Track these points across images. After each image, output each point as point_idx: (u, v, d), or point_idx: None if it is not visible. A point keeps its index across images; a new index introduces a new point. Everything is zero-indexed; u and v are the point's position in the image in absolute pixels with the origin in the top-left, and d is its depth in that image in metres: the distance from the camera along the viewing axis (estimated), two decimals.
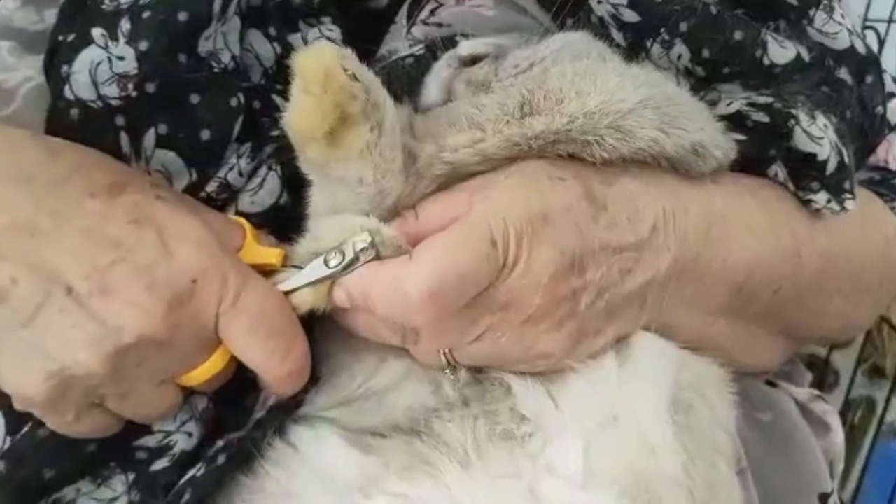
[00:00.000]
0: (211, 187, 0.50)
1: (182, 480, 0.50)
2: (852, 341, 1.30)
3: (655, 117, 0.52)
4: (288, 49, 0.57)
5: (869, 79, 0.65)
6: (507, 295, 0.47)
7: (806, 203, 0.61)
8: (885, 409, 1.22)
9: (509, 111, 0.50)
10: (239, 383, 0.52)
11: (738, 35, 0.61)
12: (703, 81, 0.61)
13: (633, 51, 0.60)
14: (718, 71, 0.61)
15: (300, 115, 0.46)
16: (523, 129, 0.50)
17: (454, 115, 0.50)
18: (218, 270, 0.46)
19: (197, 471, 0.49)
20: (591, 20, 0.60)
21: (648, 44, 0.59)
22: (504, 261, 0.47)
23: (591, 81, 0.50)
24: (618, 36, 0.60)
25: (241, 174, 0.51)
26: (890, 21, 1.30)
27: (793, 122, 0.58)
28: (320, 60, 0.45)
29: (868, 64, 0.65)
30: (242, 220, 0.49)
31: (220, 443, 0.50)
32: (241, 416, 0.51)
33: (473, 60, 0.55)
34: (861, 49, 0.64)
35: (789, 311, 0.64)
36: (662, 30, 0.60)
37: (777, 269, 0.61)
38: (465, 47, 0.56)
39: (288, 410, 0.52)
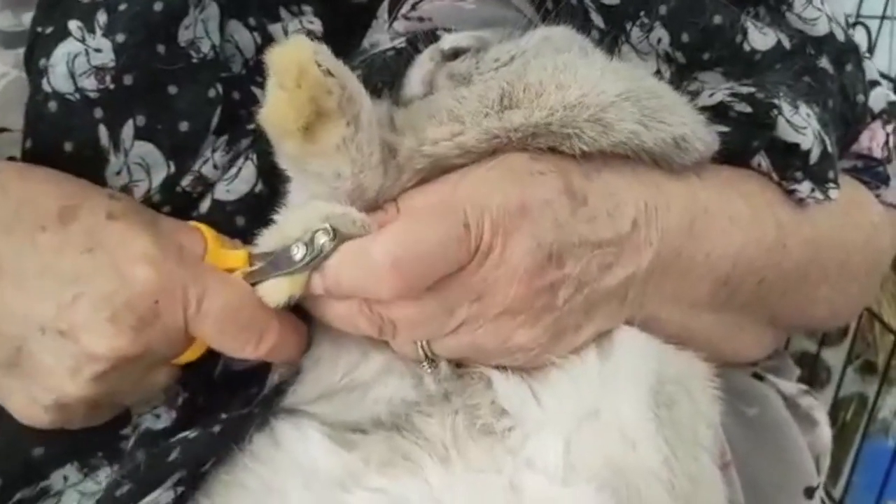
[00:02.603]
0: (186, 181, 0.51)
1: (172, 440, 0.51)
2: (843, 337, 1.32)
3: (636, 110, 0.52)
4: (268, 39, 0.57)
5: (849, 67, 0.65)
6: (482, 284, 0.47)
7: (790, 193, 0.61)
8: (874, 406, 1.24)
9: (489, 104, 0.50)
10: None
11: (717, 19, 0.61)
12: (683, 69, 0.61)
13: (613, 34, 0.60)
14: (698, 57, 0.61)
15: (275, 111, 0.46)
16: (503, 121, 0.50)
17: (434, 108, 0.51)
18: (177, 285, 0.47)
19: (190, 433, 0.49)
20: (571, 4, 0.60)
21: (628, 27, 0.59)
22: (477, 247, 0.46)
23: (571, 74, 0.50)
24: (597, 19, 0.60)
25: (216, 167, 0.51)
26: (883, 17, 1.35)
27: (776, 112, 0.59)
28: (294, 55, 0.45)
29: (848, 52, 0.65)
30: (201, 226, 0.50)
31: (223, 415, 0.50)
32: (244, 397, 0.52)
33: (456, 54, 0.55)
34: (840, 36, 0.65)
35: (775, 301, 0.64)
36: (642, 13, 0.60)
37: (761, 260, 0.61)
38: (448, 41, 0.56)
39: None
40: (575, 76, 0.50)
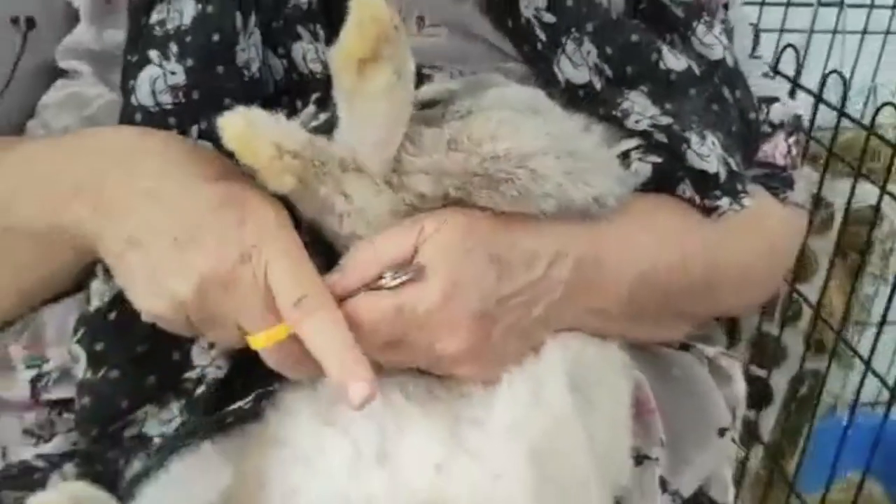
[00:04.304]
0: None
1: (227, 409, 0.61)
2: (799, 318, 1.38)
3: (557, 165, 0.60)
4: (292, 63, 0.66)
5: (738, 93, 0.74)
6: (428, 339, 0.58)
7: (714, 209, 0.70)
8: (824, 382, 1.34)
9: (441, 146, 0.59)
10: None
11: (634, 37, 0.70)
12: (612, 82, 0.70)
13: (554, 47, 0.69)
14: (623, 71, 0.70)
15: (346, 41, 0.55)
16: (449, 159, 0.58)
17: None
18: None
19: (244, 403, 0.61)
20: (520, 21, 0.69)
21: (563, 41, 0.69)
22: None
23: (506, 129, 0.59)
24: (541, 34, 0.69)
25: None
26: (834, 32, 1.54)
27: (685, 146, 0.67)
28: (378, 3, 0.54)
29: (737, 77, 0.75)
30: None
31: (276, 385, 0.60)
32: None
33: (431, 104, 0.63)
34: (730, 62, 0.74)
35: (683, 307, 0.73)
36: (573, 29, 0.69)
37: (664, 280, 0.69)
38: (424, 92, 0.64)
39: None
40: (509, 131, 0.59)
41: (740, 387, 0.81)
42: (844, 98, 1.11)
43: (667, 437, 0.71)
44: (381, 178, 0.58)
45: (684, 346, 0.79)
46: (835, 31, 1.53)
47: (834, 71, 1.11)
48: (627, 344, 0.71)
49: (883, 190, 1.10)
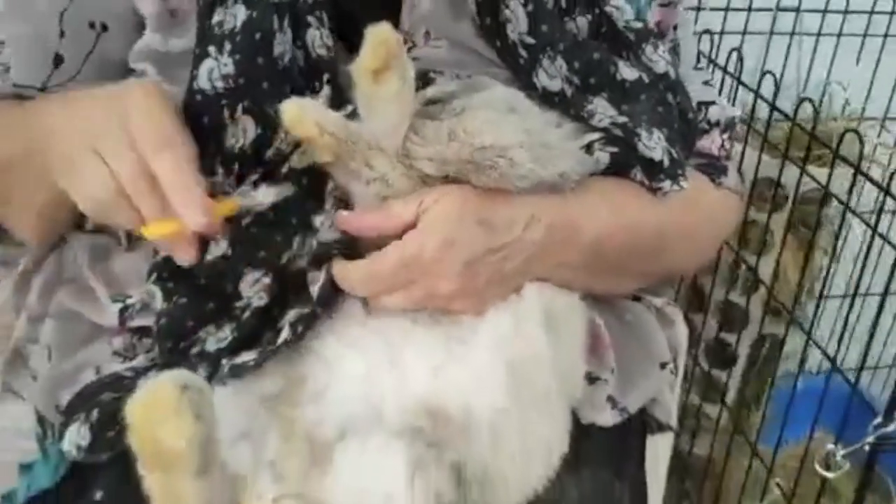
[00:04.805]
0: (270, 150, 0.73)
1: (281, 322, 0.72)
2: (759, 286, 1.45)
3: (530, 154, 0.72)
4: (309, 55, 0.75)
5: (678, 98, 0.84)
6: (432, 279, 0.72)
7: (659, 189, 0.81)
8: (782, 345, 1.42)
9: (442, 138, 0.71)
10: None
11: (596, 55, 0.81)
12: (579, 89, 0.80)
13: (533, 62, 0.79)
14: (588, 81, 0.80)
15: (364, 55, 0.67)
16: (448, 149, 0.71)
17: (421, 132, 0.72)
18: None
19: (288, 335, 0.71)
20: (507, 42, 0.80)
21: (541, 57, 0.79)
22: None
23: (491, 126, 0.71)
24: (523, 52, 0.79)
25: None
26: (792, 34, 1.62)
27: (636, 139, 0.78)
28: (387, 30, 0.67)
29: (678, 85, 0.85)
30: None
31: (307, 310, 0.71)
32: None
33: (434, 101, 0.74)
34: (672, 74, 0.84)
35: (635, 265, 0.85)
36: (548, 48, 0.79)
37: (618, 243, 0.80)
38: (429, 92, 0.74)
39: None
40: (492, 128, 0.71)
41: (681, 330, 0.96)
42: (776, 95, 1.19)
43: (617, 367, 0.83)
44: (395, 156, 0.72)
45: (636, 298, 0.92)
46: (792, 34, 1.62)
47: (768, 72, 1.19)
48: (591, 296, 0.83)
49: (829, 174, 1.17)
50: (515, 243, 0.75)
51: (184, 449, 0.61)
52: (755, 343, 1.49)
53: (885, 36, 1.63)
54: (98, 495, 0.77)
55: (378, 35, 0.67)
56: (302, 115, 0.69)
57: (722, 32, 1.54)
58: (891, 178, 1.00)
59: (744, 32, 1.58)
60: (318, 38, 0.76)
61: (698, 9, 1.51)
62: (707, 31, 1.37)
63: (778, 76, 1.21)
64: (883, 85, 1.67)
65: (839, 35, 1.63)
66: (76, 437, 0.72)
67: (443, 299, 0.74)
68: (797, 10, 1.61)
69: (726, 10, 1.57)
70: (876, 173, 1.36)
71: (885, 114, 1.65)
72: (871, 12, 1.62)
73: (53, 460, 0.81)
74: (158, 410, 0.61)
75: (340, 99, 0.75)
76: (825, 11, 1.62)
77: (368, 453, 0.68)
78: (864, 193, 1.29)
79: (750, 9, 1.59)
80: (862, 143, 1.14)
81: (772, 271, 1.32)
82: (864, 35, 1.64)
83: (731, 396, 1.51)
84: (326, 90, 0.76)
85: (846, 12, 1.62)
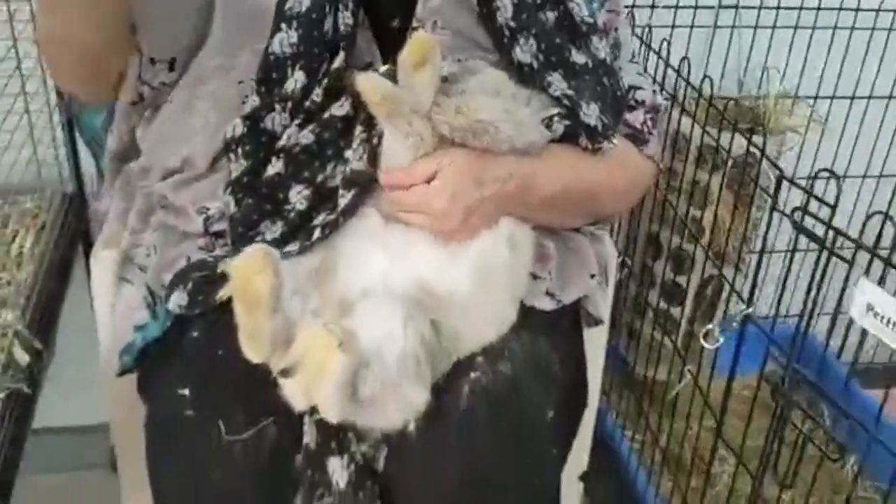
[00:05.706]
0: (315, 91, 0.97)
1: (315, 222, 0.95)
2: (703, 234, 1.55)
3: (511, 125, 0.95)
4: (337, 26, 0.97)
5: (612, 80, 1.04)
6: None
7: (599, 148, 1.02)
8: (722, 287, 1.56)
9: (452, 111, 0.93)
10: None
11: (557, 40, 1.00)
12: (542, 67, 0.99)
13: (513, 42, 0.99)
14: (549, 59, 0.99)
15: (408, 50, 0.89)
16: (457, 118, 0.93)
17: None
18: None
19: (327, 215, 0.95)
20: (497, 26, 0.99)
21: (519, 38, 0.99)
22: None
23: (485, 104, 0.94)
24: (507, 33, 0.99)
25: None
26: (733, 27, 1.74)
27: (578, 109, 1.00)
28: (426, 35, 0.91)
29: (612, 70, 1.05)
30: None
31: (338, 212, 0.94)
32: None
33: (446, 79, 0.94)
34: (609, 61, 1.04)
35: (577, 208, 1.09)
36: (525, 31, 0.99)
37: (569, 191, 1.03)
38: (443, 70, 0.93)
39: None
40: (485, 106, 0.94)
41: (609, 248, 1.20)
42: (688, 76, 1.37)
43: (557, 272, 1.06)
44: (426, 119, 0.93)
45: (577, 230, 1.14)
46: (733, 27, 1.75)
47: (685, 57, 1.36)
48: (546, 228, 1.06)
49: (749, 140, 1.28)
50: (497, 194, 0.98)
51: (266, 294, 0.84)
52: (701, 284, 1.62)
53: (814, 28, 1.75)
54: (195, 334, 0.97)
55: (419, 38, 0.90)
56: (371, 84, 0.91)
57: (673, 26, 1.69)
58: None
59: (691, 27, 1.71)
60: (342, 19, 0.97)
61: (653, 7, 1.68)
62: (648, 26, 1.51)
63: (721, 64, 1.45)
64: (811, 70, 1.79)
65: (773, 28, 1.75)
66: (177, 300, 0.97)
67: (445, 232, 0.97)
68: (736, 7, 1.73)
69: (676, 7, 1.70)
70: (812, 144, 1.58)
71: (817, 93, 1.78)
72: (801, 8, 1.75)
73: (161, 318, 1.01)
74: (252, 266, 0.84)
75: (349, 62, 0.97)
76: (760, 8, 1.73)
77: (380, 306, 0.90)
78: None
79: (696, 7, 1.70)
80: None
81: (711, 223, 1.50)
82: (795, 27, 1.76)
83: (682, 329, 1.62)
84: (342, 55, 0.97)
85: (779, 8, 1.74)
